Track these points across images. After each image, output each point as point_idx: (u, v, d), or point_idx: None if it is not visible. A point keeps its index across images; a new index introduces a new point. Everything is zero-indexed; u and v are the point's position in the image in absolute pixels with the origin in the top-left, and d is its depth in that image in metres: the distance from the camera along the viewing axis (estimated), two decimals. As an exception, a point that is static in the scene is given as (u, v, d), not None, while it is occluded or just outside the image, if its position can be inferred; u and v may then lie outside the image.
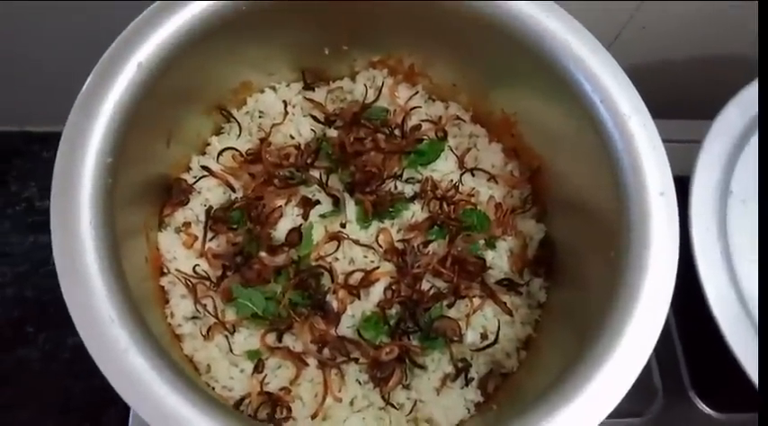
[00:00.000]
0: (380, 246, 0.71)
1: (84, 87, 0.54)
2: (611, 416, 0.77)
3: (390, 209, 0.72)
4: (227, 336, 0.66)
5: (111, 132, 0.54)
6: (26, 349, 1.04)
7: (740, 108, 0.71)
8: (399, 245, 0.71)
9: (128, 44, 0.56)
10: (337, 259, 0.70)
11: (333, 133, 0.75)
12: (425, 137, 0.76)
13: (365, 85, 0.77)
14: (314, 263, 0.69)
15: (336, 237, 0.70)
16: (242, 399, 0.62)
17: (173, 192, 0.70)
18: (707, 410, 0.80)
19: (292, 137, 0.75)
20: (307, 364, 0.65)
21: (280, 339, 0.66)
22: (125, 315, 0.47)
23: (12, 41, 0.96)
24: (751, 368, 0.64)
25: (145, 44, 0.57)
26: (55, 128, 1.20)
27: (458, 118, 0.78)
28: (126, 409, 0.75)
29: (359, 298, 0.69)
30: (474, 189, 0.75)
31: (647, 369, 0.81)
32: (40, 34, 0.96)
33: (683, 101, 0.93)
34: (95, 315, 0.46)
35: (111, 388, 1.02)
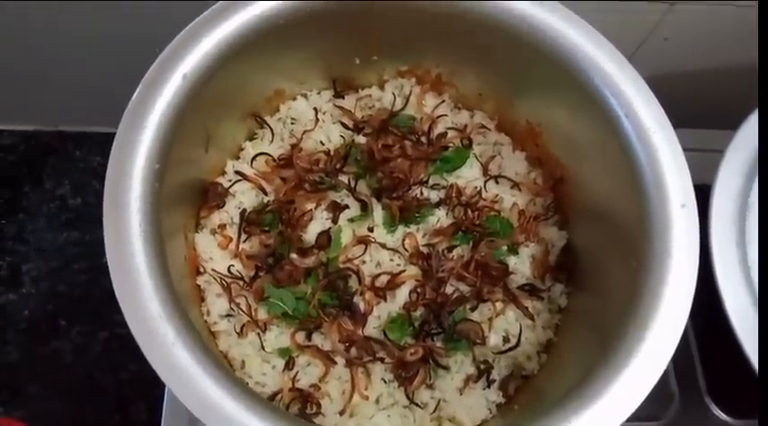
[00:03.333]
0: (406, 250, 0.73)
1: (134, 97, 0.57)
2: (628, 419, 0.80)
3: (416, 215, 0.74)
4: (259, 334, 0.69)
5: (158, 140, 0.57)
6: (59, 341, 1.08)
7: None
8: (424, 250, 0.73)
9: (174, 56, 0.59)
10: (364, 262, 0.72)
11: (361, 140, 0.78)
12: (451, 145, 0.78)
13: (393, 94, 0.79)
14: (342, 266, 0.71)
15: (364, 241, 0.73)
16: (274, 394, 0.65)
17: (209, 196, 0.73)
18: (723, 416, 0.82)
19: (322, 144, 0.78)
20: (335, 362, 0.68)
21: (309, 337, 0.69)
22: (171, 311, 0.50)
23: (47, 45, 1.00)
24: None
25: (189, 56, 0.60)
26: (87, 128, 1.24)
27: (483, 126, 0.80)
28: (156, 401, 0.79)
29: (385, 300, 0.71)
30: (498, 196, 0.77)
31: (663, 375, 0.84)
32: (73, 39, 0.99)
33: (705, 110, 0.94)
34: (144, 310, 0.49)
35: (140, 381, 1.06)
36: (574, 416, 0.52)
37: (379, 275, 0.72)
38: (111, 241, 0.50)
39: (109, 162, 0.53)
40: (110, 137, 1.23)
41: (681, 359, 0.83)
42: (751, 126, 0.72)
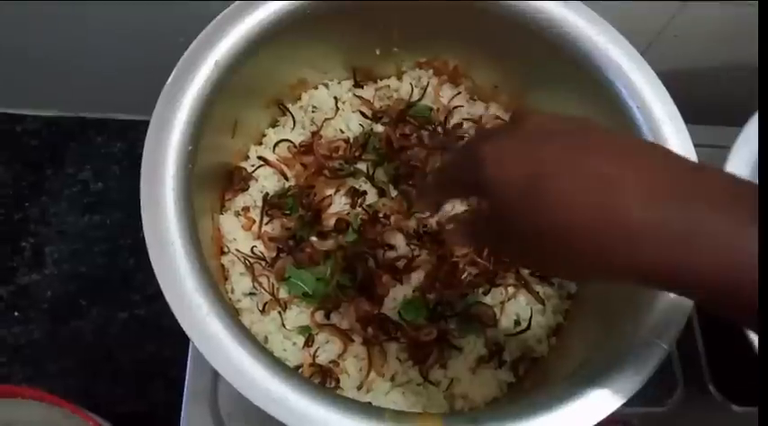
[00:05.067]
0: (422, 235, 0.76)
1: (169, 80, 0.59)
2: (633, 404, 0.82)
3: (432, 202, 0.77)
4: (280, 312, 0.71)
5: (192, 123, 0.59)
6: (80, 321, 1.11)
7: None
8: (439, 235, 0.76)
9: (207, 43, 0.62)
10: (381, 245, 0.75)
11: (379, 129, 0.81)
12: (466, 135, 0.81)
13: (411, 85, 0.82)
14: (360, 249, 0.74)
15: (381, 225, 0.75)
16: (296, 368, 0.68)
17: (234, 179, 0.76)
18: (726, 402, 0.84)
19: (342, 132, 0.81)
20: (352, 340, 0.71)
21: (328, 317, 0.72)
22: (206, 285, 0.53)
23: (70, 34, 1.02)
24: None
25: (221, 43, 0.62)
26: (108, 115, 1.27)
27: (498, 117, 0.82)
28: (172, 381, 0.82)
29: (401, 283, 0.74)
30: (511, 184, 0.79)
31: (667, 360, 0.86)
32: (96, 29, 1.01)
33: (715, 107, 0.96)
34: (180, 283, 0.52)
35: (158, 361, 1.09)
36: (578, 394, 0.54)
37: (396, 259, 0.74)
38: (149, 216, 0.53)
39: (146, 142, 0.56)
40: (130, 124, 1.26)
41: (685, 345, 0.85)
42: (753, 127, 0.74)
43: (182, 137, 0.58)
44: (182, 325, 0.51)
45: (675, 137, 0.62)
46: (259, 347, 0.52)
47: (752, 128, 0.74)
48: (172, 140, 0.58)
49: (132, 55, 1.02)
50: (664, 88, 0.65)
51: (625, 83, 0.65)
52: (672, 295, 0.57)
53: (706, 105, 0.97)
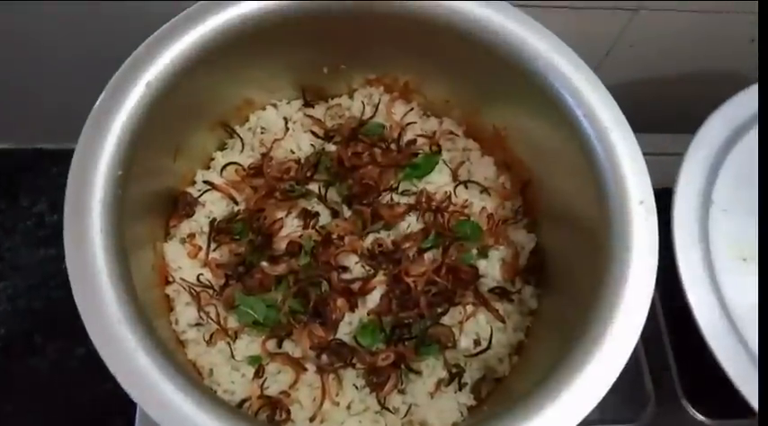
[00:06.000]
0: (377, 255, 0.73)
1: (97, 103, 0.57)
2: (605, 422, 0.80)
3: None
4: (229, 342, 0.68)
5: (121, 147, 0.57)
6: (35, 358, 1.07)
7: (723, 119, 0.74)
8: (395, 255, 0.73)
9: (138, 63, 0.60)
10: (335, 268, 0.73)
11: (331, 148, 0.79)
12: (420, 152, 0.79)
13: (362, 102, 0.80)
14: (313, 273, 0.72)
15: (335, 246, 0.73)
16: (242, 402, 0.65)
17: (178, 205, 0.73)
18: (698, 416, 0.81)
19: (293, 152, 0.79)
20: (305, 369, 0.68)
21: (280, 345, 0.69)
22: (133, 317, 0.50)
23: (24, 63, 1.00)
24: (733, 372, 0.66)
25: (154, 64, 0.60)
26: (65, 145, 1.24)
27: (451, 132, 0.81)
28: (133, 418, 0.78)
29: (356, 306, 0.71)
30: (467, 200, 0.78)
31: (639, 377, 0.84)
32: (51, 55, 0.99)
33: (671, 115, 0.96)
34: (105, 316, 0.49)
35: (117, 398, 1.04)
36: (535, 413, 0.52)
37: (350, 281, 0.72)
38: (71, 243, 0.50)
39: (71, 166, 0.53)
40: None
41: (655, 360, 0.83)
42: (711, 127, 0.73)
43: (111, 162, 0.56)
44: (104, 361, 0.47)
45: (622, 143, 0.60)
46: (192, 382, 0.49)
47: (705, 134, 0.73)
48: (99, 166, 0.55)
49: (90, 83, 1.00)
50: (610, 96, 0.64)
51: (571, 92, 0.64)
52: (628, 302, 0.55)
53: (664, 114, 0.97)
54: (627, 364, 0.55)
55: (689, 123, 0.81)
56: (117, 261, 0.52)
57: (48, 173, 1.20)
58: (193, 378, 0.51)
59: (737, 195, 0.70)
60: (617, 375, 0.54)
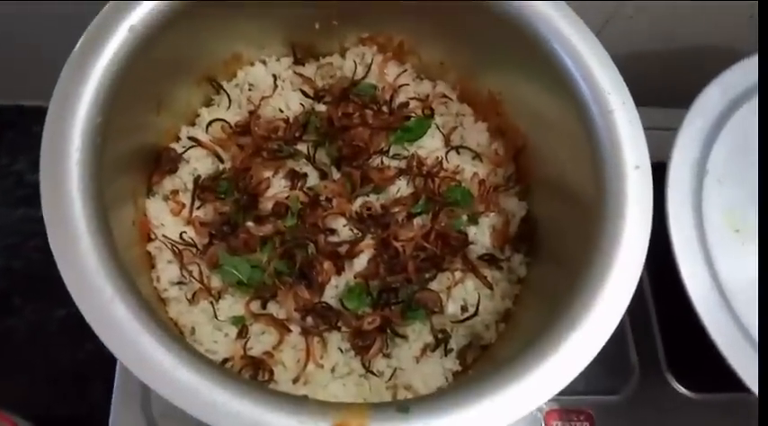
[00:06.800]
0: (365, 219, 0.72)
1: (77, 46, 0.55)
2: (588, 392, 0.80)
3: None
4: (212, 302, 0.67)
5: (102, 93, 0.54)
6: (13, 319, 1.04)
7: (720, 89, 0.73)
8: (384, 219, 0.72)
9: (120, 7, 0.57)
10: (322, 230, 0.71)
11: (321, 108, 0.76)
12: (413, 115, 0.77)
13: (354, 62, 0.78)
14: (299, 234, 0.70)
15: (322, 209, 0.71)
16: (225, 361, 0.64)
17: (162, 161, 0.71)
18: (682, 389, 0.82)
19: (281, 111, 0.76)
20: (290, 331, 0.66)
21: (264, 306, 0.68)
22: (111, 269, 0.48)
23: (6, 16, 0.97)
24: (723, 344, 0.65)
25: (137, 8, 0.57)
26: (47, 103, 1.20)
27: (445, 96, 0.79)
28: (111, 380, 0.77)
29: (343, 270, 0.70)
30: (459, 166, 0.76)
31: (623, 348, 0.84)
32: (35, 9, 0.96)
33: (668, 89, 0.95)
34: (82, 266, 0.47)
35: (96, 360, 1.03)
36: (520, 377, 0.51)
37: (338, 244, 0.70)
38: (48, 189, 0.48)
39: (48, 110, 0.51)
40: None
41: (641, 332, 0.83)
42: (708, 97, 0.72)
43: (89, 108, 0.53)
44: (80, 309, 0.46)
45: (621, 108, 0.59)
46: (170, 336, 0.48)
47: (701, 104, 0.71)
48: (78, 111, 0.53)
49: (70, 39, 0.96)
50: (611, 61, 0.62)
51: (571, 54, 0.62)
52: (621, 268, 0.54)
53: (661, 87, 0.96)
54: (612, 335, 0.54)
55: (684, 98, 0.80)
56: (96, 212, 0.50)
57: (29, 130, 1.16)
58: (175, 334, 0.49)
59: (732, 166, 0.69)
60: (604, 342, 0.53)
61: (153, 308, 0.52)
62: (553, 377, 0.51)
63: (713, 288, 0.65)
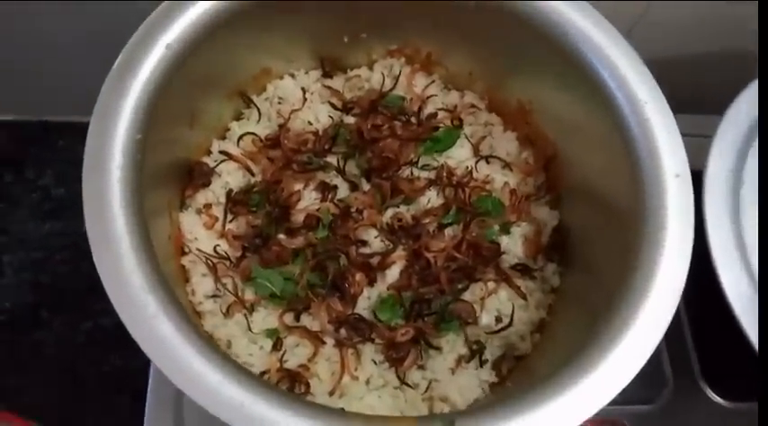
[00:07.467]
0: (396, 230, 0.72)
1: (115, 66, 0.55)
2: (622, 402, 0.78)
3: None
4: (245, 315, 0.67)
5: (140, 110, 0.55)
6: (41, 333, 1.05)
7: (751, 99, 0.72)
8: (415, 230, 0.72)
9: (156, 26, 0.58)
10: (354, 242, 0.71)
11: (350, 120, 0.77)
12: (441, 125, 0.77)
13: (382, 74, 0.78)
14: (331, 246, 0.70)
15: (353, 220, 0.71)
16: (262, 374, 0.64)
17: (194, 175, 0.71)
18: (716, 398, 0.81)
19: (310, 124, 0.77)
20: (324, 343, 0.66)
21: (297, 318, 0.68)
22: (153, 283, 0.48)
23: (31, 33, 0.98)
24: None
25: (173, 26, 0.58)
26: (71, 118, 1.22)
27: (473, 106, 0.79)
28: (139, 393, 0.77)
29: (375, 281, 0.70)
30: (489, 176, 0.76)
31: (657, 358, 0.83)
32: (59, 30, 0.97)
33: (696, 96, 0.94)
34: (125, 281, 0.48)
35: (122, 373, 1.03)
36: (561, 393, 0.50)
37: (370, 255, 0.70)
38: (91, 207, 0.49)
39: (89, 130, 0.51)
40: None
41: (674, 341, 0.82)
42: (739, 107, 0.71)
43: (129, 126, 0.54)
44: (125, 324, 0.46)
45: (658, 115, 0.58)
46: (214, 349, 0.48)
47: (733, 114, 0.71)
48: (118, 128, 0.53)
49: (97, 55, 0.97)
50: (646, 68, 0.62)
51: (605, 63, 0.62)
52: (663, 281, 0.53)
53: (689, 94, 0.95)
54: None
55: (712, 104, 0.79)
56: (138, 228, 0.51)
57: (54, 145, 1.18)
58: (218, 349, 0.49)
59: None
60: (646, 360, 0.53)
61: (194, 322, 0.52)
62: (594, 395, 0.50)
63: (754, 297, 0.64)
